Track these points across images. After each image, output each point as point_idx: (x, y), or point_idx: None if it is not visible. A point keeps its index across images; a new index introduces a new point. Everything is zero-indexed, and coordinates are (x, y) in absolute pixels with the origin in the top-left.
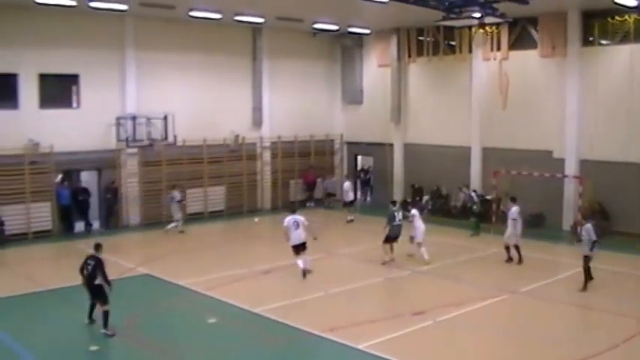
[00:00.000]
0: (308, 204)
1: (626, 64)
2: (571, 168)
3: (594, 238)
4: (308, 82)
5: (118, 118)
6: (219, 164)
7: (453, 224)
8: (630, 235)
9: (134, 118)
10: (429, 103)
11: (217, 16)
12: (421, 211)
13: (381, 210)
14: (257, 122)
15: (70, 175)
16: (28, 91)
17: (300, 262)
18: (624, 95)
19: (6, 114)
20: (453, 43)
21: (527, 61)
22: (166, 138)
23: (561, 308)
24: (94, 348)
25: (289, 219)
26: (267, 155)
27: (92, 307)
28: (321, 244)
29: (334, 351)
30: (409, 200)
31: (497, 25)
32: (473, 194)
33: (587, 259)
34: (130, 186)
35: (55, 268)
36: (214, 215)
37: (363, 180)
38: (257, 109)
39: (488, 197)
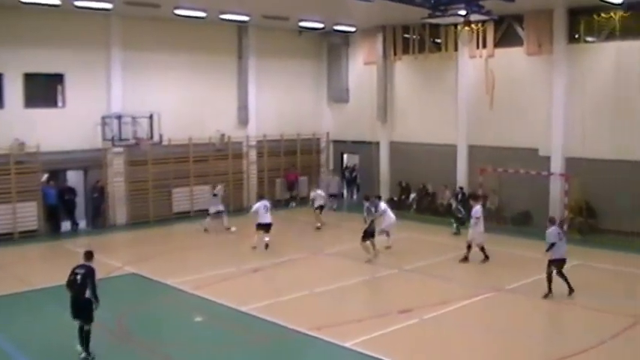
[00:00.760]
0: (290, 204)
1: (612, 62)
2: (557, 166)
3: (552, 240)
4: (294, 81)
5: (103, 118)
6: (205, 163)
7: (440, 222)
8: (618, 233)
9: (119, 117)
10: (415, 101)
11: (202, 14)
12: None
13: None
14: (243, 121)
15: (57, 174)
16: (13, 90)
17: (266, 237)
18: (610, 92)
19: None
20: (438, 40)
21: (514, 58)
22: (152, 137)
23: (547, 305)
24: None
25: (259, 204)
26: (253, 154)
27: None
28: (306, 243)
29: (321, 349)
30: (395, 198)
31: (483, 22)
32: (453, 202)
33: (550, 263)
34: (117, 185)
35: (43, 268)
36: (201, 214)
37: (349, 178)
38: (243, 108)
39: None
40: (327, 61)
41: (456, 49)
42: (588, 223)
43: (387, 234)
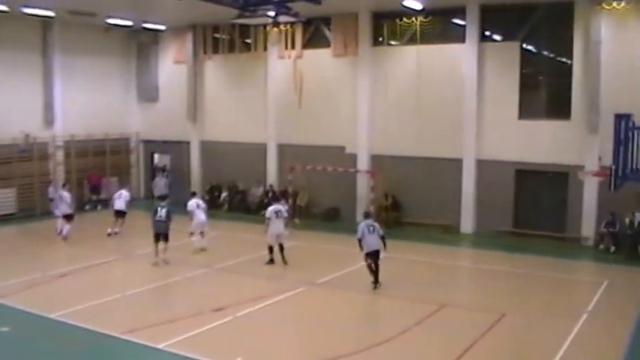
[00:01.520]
0: (98, 207)
1: (413, 64)
2: (363, 163)
3: (357, 236)
4: (102, 79)
5: None
6: (9, 165)
7: (251, 220)
8: (420, 225)
9: None
10: (225, 101)
11: (4, 8)
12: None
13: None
14: (49, 121)
15: None
16: None
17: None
18: (411, 93)
19: None
20: (248, 41)
21: (321, 59)
22: None
23: (357, 297)
24: None
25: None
26: (60, 155)
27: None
28: (117, 245)
29: (134, 352)
30: (207, 197)
31: (292, 24)
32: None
33: (366, 256)
34: None
35: None
36: (5, 219)
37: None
38: (49, 108)
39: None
40: (136, 60)
41: (265, 50)
42: (393, 216)
43: (202, 234)
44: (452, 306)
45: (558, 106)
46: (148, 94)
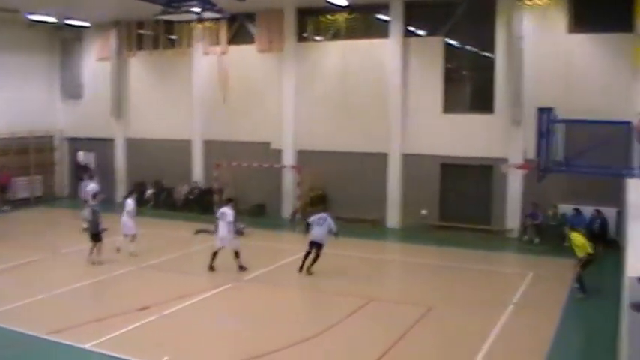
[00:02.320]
0: (4, 207)
1: (337, 60)
2: (289, 158)
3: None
4: (25, 76)
5: None
6: None
7: (177, 217)
8: (348, 220)
9: None
10: (150, 98)
11: None
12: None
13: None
14: None
15: None
16: None
17: None
18: (337, 88)
19: None
20: (173, 37)
21: (246, 55)
22: None
23: (286, 292)
24: None
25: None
26: None
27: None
28: (42, 244)
29: (60, 353)
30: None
31: (217, 20)
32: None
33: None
34: None
35: None
36: None
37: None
38: None
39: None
40: (60, 57)
41: (190, 46)
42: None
43: (133, 237)
44: (379, 299)
45: (482, 100)
46: (72, 91)
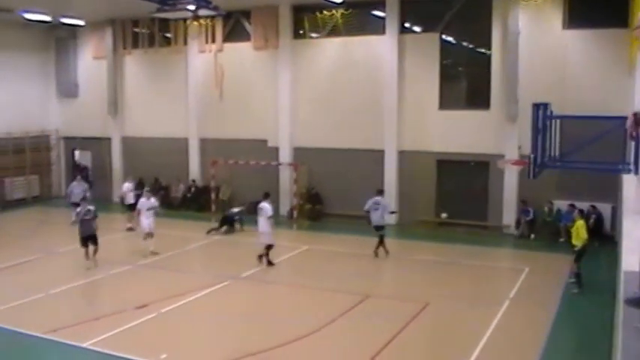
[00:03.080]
0: None
1: (333, 56)
2: (285, 156)
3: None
4: (20, 76)
5: None
6: None
7: (174, 216)
8: (342, 217)
9: None
10: (146, 96)
11: None
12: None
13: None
14: None
15: None
16: None
17: None
18: (333, 85)
19: None
20: (168, 35)
21: (242, 53)
22: None
23: (282, 290)
24: None
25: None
26: None
27: None
28: (38, 243)
29: (59, 352)
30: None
31: (212, 17)
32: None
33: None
34: None
35: None
36: None
37: (80, 176)
38: None
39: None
40: (55, 55)
41: (185, 44)
42: (316, 209)
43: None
44: (376, 296)
45: (478, 96)
46: (68, 90)
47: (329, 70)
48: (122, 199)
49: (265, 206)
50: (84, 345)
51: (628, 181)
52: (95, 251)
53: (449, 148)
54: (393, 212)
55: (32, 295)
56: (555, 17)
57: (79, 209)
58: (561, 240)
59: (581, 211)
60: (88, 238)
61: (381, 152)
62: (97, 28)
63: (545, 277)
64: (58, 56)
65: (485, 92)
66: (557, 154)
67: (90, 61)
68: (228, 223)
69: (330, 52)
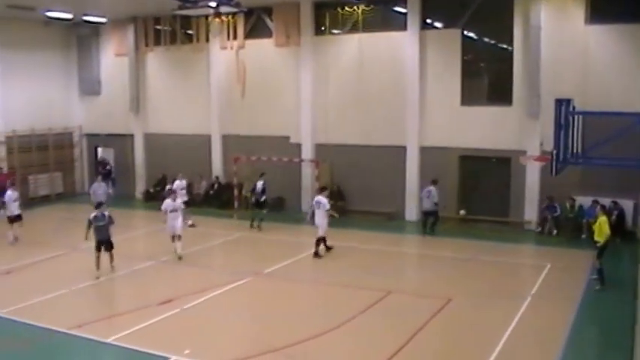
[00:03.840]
0: (2, 210)
1: (354, 52)
2: (307, 152)
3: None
4: (43, 73)
5: None
6: None
7: (197, 212)
8: (363, 213)
9: None
10: (168, 93)
11: None
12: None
13: (125, 202)
14: None
15: None
16: None
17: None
18: (354, 82)
19: None
20: (190, 32)
21: (264, 49)
22: None
23: (304, 286)
24: None
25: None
26: (2, 151)
27: None
28: (62, 240)
29: (83, 347)
30: (152, 190)
31: (233, 14)
32: (260, 184)
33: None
34: None
35: None
36: None
37: (103, 173)
38: None
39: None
40: (77, 53)
41: (207, 41)
42: (338, 205)
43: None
44: (398, 292)
45: (500, 92)
46: (90, 87)
47: (350, 67)
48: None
49: (322, 200)
50: (108, 340)
51: None
52: (111, 258)
53: (471, 144)
54: (436, 204)
55: (56, 291)
56: (577, 12)
57: (92, 214)
58: (583, 236)
59: (603, 207)
60: (102, 243)
61: (403, 148)
62: (119, 26)
63: (567, 274)
64: (81, 54)
65: (507, 88)
66: (579, 150)
67: (112, 59)
68: (260, 205)
69: (352, 48)
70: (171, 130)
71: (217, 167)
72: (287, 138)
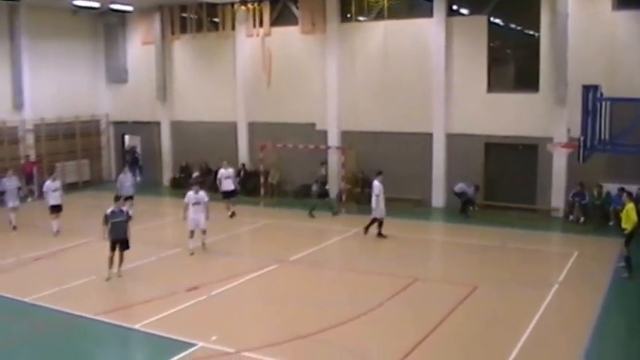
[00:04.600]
0: (30, 198)
1: (380, 40)
2: (334, 139)
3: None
4: (71, 62)
5: None
6: None
7: (222, 199)
8: (390, 200)
9: None
10: (194, 80)
11: None
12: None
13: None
14: (18, 105)
15: None
16: None
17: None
18: (380, 69)
19: None
20: (216, 20)
21: (289, 37)
22: None
23: (330, 273)
24: None
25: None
26: (30, 139)
27: None
28: (90, 227)
29: (111, 333)
30: (176, 177)
31: (259, 1)
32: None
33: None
34: None
35: None
36: None
37: (130, 160)
38: (17, 92)
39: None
40: (104, 42)
41: (233, 28)
42: (364, 192)
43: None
44: (424, 280)
45: (526, 79)
46: (117, 75)
47: (376, 54)
48: (218, 186)
49: (375, 184)
50: (136, 327)
51: None
52: (121, 260)
53: (497, 131)
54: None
55: (84, 277)
56: None
57: (109, 209)
58: (610, 223)
59: (630, 194)
60: (118, 242)
61: (429, 135)
62: (145, 14)
63: (595, 261)
64: (107, 42)
65: (533, 75)
66: (606, 137)
67: (139, 47)
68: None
69: (378, 35)
70: (198, 118)
71: (243, 154)
72: (313, 125)
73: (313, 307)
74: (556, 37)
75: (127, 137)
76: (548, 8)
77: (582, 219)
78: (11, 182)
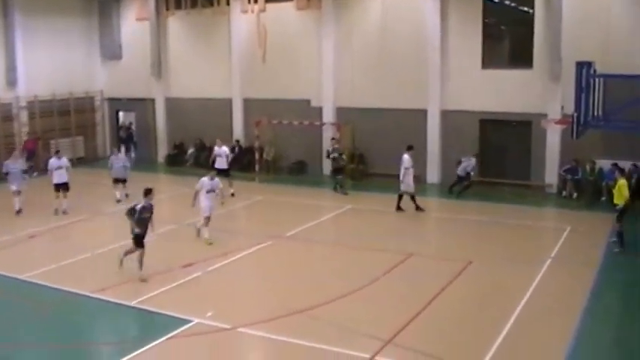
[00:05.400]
0: (33, 174)
1: (376, 16)
2: (329, 115)
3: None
4: (64, 38)
5: None
6: None
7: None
8: (386, 176)
9: None
10: (189, 57)
11: None
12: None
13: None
14: (11, 82)
15: None
16: None
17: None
18: (375, 45)
19: None
20: None
21: (285, 13)
22: None
23: (326, 249)
24: None
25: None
26: (24, 116)
27: None
28: (85, 204)
29: (107, 310)
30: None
31: None
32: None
33: None
34: None
35: None
36: None
37: (124, 137)
38: (10, 69)
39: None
40: (98, 18)
41: (228, 4)
42: (359, 169)
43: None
44: (419, 255)
45: (521, 56)
46: (112, 52)
47: (372, 30)
48: (213, 162)
49: (404, 157)
50: (132, 303)
51: None
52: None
53: (492, 108)
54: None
55: (79, 255)
56: None
57: (139, 205)
58: (603, 199)
59: (622, 170)
60: (142, 237)
61: (424, 112)
62: None
63: (587, 237)
64: (102, 19)
65: (528, 51)
66: (600, 113)
67: (133, 23)
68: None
69: (373, 11)
70: (193, 94)
71: (238, 131)
72: (308, 101)
73: (309, 283)
74: (550, 14)
75: (121, 114)
76: None
77: (575, 195)
78: (15, 165)
